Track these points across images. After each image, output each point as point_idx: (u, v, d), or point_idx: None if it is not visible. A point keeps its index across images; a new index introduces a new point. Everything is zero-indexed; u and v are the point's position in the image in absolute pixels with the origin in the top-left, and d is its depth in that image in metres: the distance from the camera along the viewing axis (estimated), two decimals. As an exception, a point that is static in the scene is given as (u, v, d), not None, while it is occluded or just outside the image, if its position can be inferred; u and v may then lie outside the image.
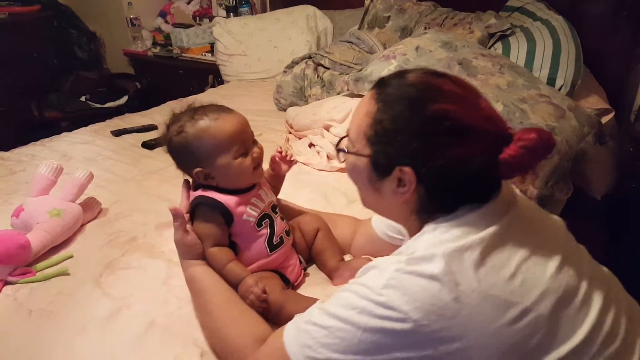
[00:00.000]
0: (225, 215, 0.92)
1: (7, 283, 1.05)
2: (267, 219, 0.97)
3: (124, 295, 1.00)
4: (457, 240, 0.65)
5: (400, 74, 0.72)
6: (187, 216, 0.93)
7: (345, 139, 0.77)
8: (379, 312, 0.63)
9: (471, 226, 0.66)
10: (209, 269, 0.91)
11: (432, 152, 0.66)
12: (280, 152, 1.06)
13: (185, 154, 0.93)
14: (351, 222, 1.14)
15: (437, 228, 0.68)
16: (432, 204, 0.70)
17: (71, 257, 1.13)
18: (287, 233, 1.02)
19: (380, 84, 0.72)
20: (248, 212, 0.94)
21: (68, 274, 1.07)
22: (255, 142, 0.95)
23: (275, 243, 0.98)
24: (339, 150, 0.79)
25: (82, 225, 1.26)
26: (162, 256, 1.12)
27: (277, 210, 1.02)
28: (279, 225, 1.00)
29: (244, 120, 0.94)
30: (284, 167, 1.07)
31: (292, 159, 1.07)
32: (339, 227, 1.11)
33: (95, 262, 1.11)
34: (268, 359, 0.74)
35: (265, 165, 1.02)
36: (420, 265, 0.63)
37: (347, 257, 1.09)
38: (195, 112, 0.93)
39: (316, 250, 1.06)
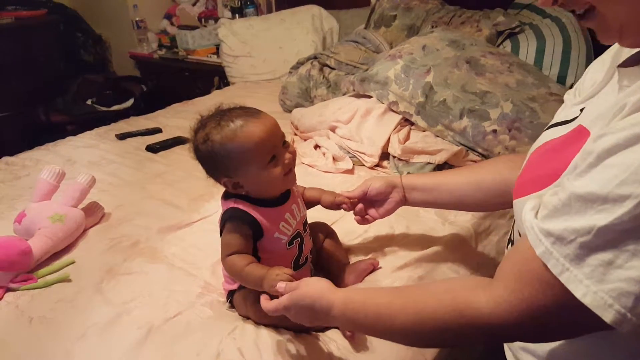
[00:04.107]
0: (255, 230, 0.87)
1: (8, 290, 1.04)
2: (298, 238, 0.93)
3: (125, 301, 0.98)
4: None
5: None
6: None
7: None
8: None
9: None
10: (338, 290, 0.74)
11: None
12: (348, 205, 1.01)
13: (212, 163, 0.87)
14: (505, 162, 0.93)
15: None
16: None
17: (73, 262, 1.12)
18: (311, 252, 0.99)
19: None
20: (280, 230, 0.89)
21: (70, 280, 1.06)
22: (286, 146, 0.88)
23: (300, 263, 0.95)
24: None
25: (85, 230, 1.25)
26: (164, 260, 1.11)
27: (307, 227, 0.98)
28: (307, 244, 0.96)
29: (272, 124, 0.87)
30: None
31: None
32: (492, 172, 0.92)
33: (96, 268, 1.09)
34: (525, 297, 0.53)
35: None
36: None
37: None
38: (222, 117, 0.85)
39: (323, 255, 1.04)
